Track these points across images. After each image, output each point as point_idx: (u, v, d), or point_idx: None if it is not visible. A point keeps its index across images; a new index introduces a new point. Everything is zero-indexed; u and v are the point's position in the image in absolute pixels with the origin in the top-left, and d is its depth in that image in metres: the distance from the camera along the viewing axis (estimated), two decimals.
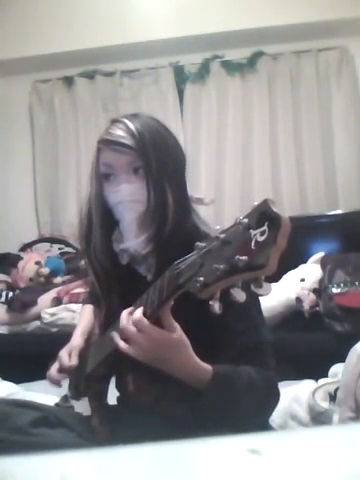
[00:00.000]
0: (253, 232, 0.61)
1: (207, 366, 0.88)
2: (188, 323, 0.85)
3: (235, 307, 0.70)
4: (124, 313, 0.88)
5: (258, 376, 0.94)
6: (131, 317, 0.85)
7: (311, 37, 3.16)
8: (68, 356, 1.15)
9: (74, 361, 1.13)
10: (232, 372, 0.92)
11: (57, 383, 1.16)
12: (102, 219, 1.09)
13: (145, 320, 0.82)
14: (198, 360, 0.87)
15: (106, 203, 1.08)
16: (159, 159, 1.03)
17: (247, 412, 0.94)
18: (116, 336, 0.89)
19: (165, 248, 1.02)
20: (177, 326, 0.84)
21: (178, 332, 0.84)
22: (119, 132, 1.04)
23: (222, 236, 0.66)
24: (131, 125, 1.04)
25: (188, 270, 0.72)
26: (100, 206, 1.08)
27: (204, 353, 0.88)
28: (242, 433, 0.42)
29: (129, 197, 1.04)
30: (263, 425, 1.06)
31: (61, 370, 1.15)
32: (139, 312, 0.84)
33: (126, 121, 1.05)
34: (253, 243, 0.60)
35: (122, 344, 0.87)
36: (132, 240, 1.06)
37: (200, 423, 0.89)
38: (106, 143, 1.05)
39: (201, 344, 0.87)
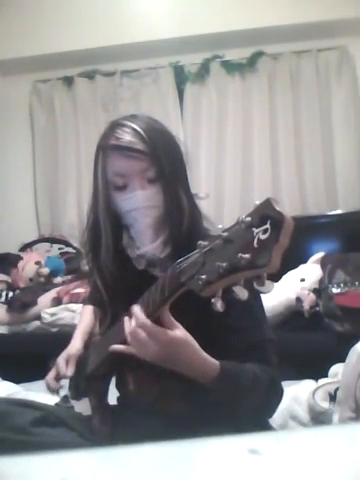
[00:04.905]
0: (255, 230, 0.61)
1: (214, 361, 0.88)
2: (191, 323, 0.85)
3: (238, 305, 0.70)
4: (126, 320, 0.88)
5: (262, 374, 0.94)
6: (133, 321, 0.85)
7: (311, 37, 3.16)
8: (65, 364, 1.16)
9: (70, 371, 1.14)
10: (238, 369, 0.92)
11: (54, 391, 1.18)
12: (111, 226, 1.06)
13: (149, 323, 0.83)
14: (205, 355, 0.87)
15: (114, 210, 1.05)
16: (170, 162, 1.01)
17: (250, 409, 0.94)
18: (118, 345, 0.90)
19: (183, 250, 1.00)
20: (177, 323, 0.84)
21: (180, 329, 0.84)
22: (128, 137, 1.00)
23: (224, 234, 0.66)
24: (139, 129, 1.00)
25: (190, 268, 0.72)
26: (109, 214, 1.05)
27: (208, 353, 0.88)
28: (242, 433, 0.42)
29: (144, 203, 1.01)
30: (263, 425, 1.06)
31: (57, 378, 1.17)
32: (141, 315, 0.84)
33: (132, 124, 1.01)
34: (255, 241, 0.61)
35: (126, 347, 0.87)
36: (148, 245, 1.04)
37: (202, 420, 0.89)
38: (116, 149, 1.00)
39: (205, 344, 0.87)
